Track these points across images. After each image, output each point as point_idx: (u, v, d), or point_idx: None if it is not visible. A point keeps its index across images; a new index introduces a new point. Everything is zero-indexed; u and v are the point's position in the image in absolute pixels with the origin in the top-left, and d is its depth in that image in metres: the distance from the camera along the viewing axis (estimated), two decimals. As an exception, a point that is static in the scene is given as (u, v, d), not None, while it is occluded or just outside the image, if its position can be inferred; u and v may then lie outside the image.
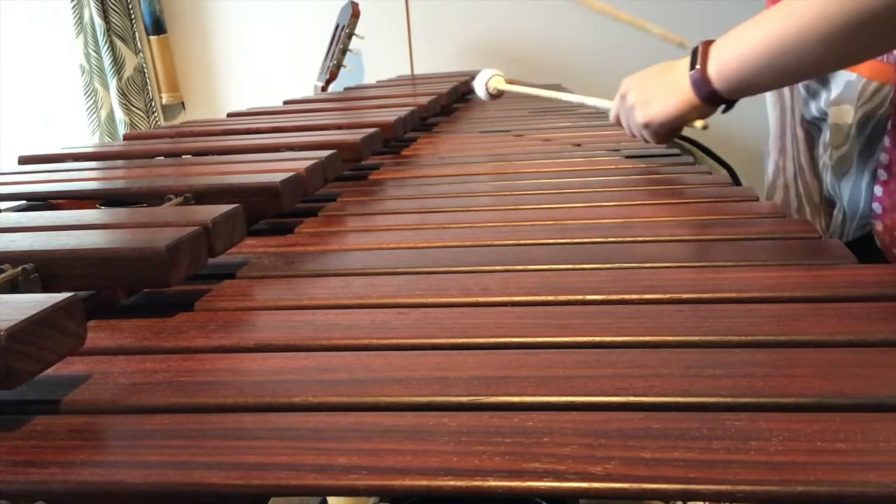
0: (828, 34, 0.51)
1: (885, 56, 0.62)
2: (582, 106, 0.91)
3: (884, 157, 0.61)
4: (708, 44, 0.65)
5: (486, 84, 1.10)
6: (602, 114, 1.04)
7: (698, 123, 0.71)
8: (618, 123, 0.79)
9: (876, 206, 0.62)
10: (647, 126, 0.72)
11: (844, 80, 0.68)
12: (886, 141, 0.61)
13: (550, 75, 1.84)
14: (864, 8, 0.48)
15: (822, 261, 0.46)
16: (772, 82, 0.63)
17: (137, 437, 0.31)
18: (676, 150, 0.82)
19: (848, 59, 0.57)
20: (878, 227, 0.62)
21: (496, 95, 1.11)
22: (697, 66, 0.64)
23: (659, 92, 0.70)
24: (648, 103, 0.71)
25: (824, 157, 0.72)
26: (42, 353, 0.32)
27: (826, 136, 0.71)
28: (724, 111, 0.68)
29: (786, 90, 0.80)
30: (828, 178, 0.72)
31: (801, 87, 0.75)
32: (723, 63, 0.63)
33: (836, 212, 0.71)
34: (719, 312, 0.39)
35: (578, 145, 0.90)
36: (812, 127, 0.75)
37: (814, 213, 0.80)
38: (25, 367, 0.32)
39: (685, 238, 0.53)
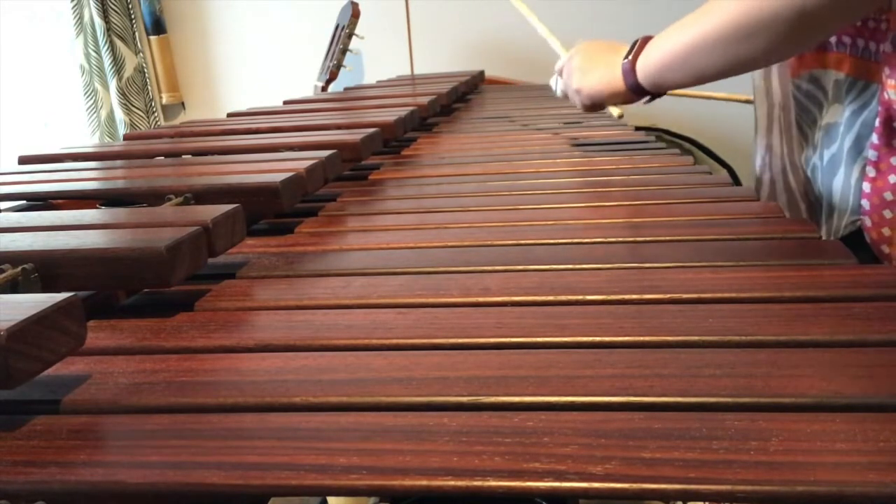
0: (731, 37, 0.58)
1: (871, 55, 0.62)
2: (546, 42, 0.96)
3: (872, 154, 0.62)
4: (646, 39, 0.70)
5: None
6: (601, 116, 1.05)
7: (614, 111, 0.80)
8: (559, 74, 0.86)
9: (864, 203, 0.63)
10: (578, 92, 0.79)
11: (833, 79, 0.68)
12: (874, 138, 0.61)
13: (550, 75, 1.84)
14: (760, 14, 0.55)
15: (822, 261, 0.46)
16: (685, 81, 0.68)
17: (137, 437, 0.31)
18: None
19: (749, 62, 0.61)
20: (867, 223, 0.62)
21: None
22: (629, 58, 0.71)
23: (598, 67, 0.76)
24: (586, 73, 0.77)
25: (814, 159, 0.73)
26: (42, 353, 0.32)
27: (817, 136, 0.71)
28: (647, 102, 0.75)
29: (774, 87, 0.80)
30: (818, 177, 0.72)
31: (796, 91, 0.75)
32: (648, 60, 0.69)
33: (825, 210, 0.71)
34: (719, 312, 0.39)
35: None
36: (805, 126, 0.76)
37: (804, 210, 0.80)
38: (25, 367, 0.32)
39: (685, 238, 0.53)
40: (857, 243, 0.64)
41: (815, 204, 0.75)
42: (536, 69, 1.92)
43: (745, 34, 0.57)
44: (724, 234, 0.53)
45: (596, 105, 0.79)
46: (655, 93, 0.73)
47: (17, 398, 0.35)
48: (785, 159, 0.81)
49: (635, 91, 0.72)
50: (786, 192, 0.82)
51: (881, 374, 0.32)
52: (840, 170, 0.67)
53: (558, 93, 0.87)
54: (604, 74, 0.75)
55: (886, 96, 0.59)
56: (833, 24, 0.58)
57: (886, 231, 0.62)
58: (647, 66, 0.69)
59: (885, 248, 0.62)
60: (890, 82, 0.59)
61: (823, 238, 0.59)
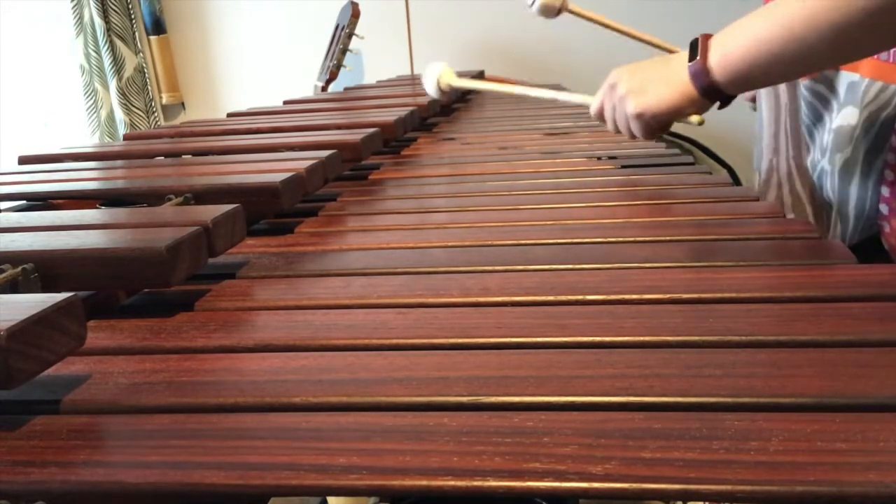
0: (840, 21, 0.50)
1: (888, 55, 0.61)
2: (555, 102, 0.86)
3: (891, 158, 0.60)
4: (708, 36, 0.63)
5: (437, 80, 1.02)
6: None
7: (694, 118, 0.68)
8: (599, 118, 0.75)
9: (883, 208, 0.61)
10: (639, 117, 0.68)
11: (847, 81, 0.67)
12: (894, 140, 0.60)
13: (550, 75, 1.84)
14: None
15: (822, 261, 0.46)
16: (778, 73, 0.61)
17: (137, 437, 0.31)
18: (677, 151, 0.82)
19: (858, 50, 0.55)
20: (886, 228, 0.61)
21: (446, 91, 1.02)
22: (698, 58, 0.62)
23: (654, 82, 0.67)
24: (642, 93, 0.67)
25: (822, 162, 0.71)
26: (42, 353, 0.32)
27: (826, 139, 0.70)
28: (720, 107, 0.67)
29: (781, 89, 0.80)
30: (827, 182, 0.70)
31: (805, 92, 0.75)
32: (726, 54, 0.60)
33: (834, 215, 0.70)
34: (719, 312, 0.39)
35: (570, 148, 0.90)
36: (813, 129, 0.75)
37: (810, 213, 0.80)
38: (25, 367, 0.32)
39: (685, 238, 0.53)
40: (871, 249, 0.62)
41: (822, 208, 0.74)
42: (536, 69, 1.93)
43: (872, 13, 0.49)
44: (724, 234, 0.53)
45: (662, 125, 0.69)
46: (733, 93, 0.64)
47: (17, 398, 0.35)
48: (791, 162, 0.80)
49: (709, 94, 0.63)
50: (791, 196, 0.81)
51: (881, 374, 0.32)
52: (856, 174, 0.65)
53: (610, 128, 0.75)
54: (665, 87, 0.65)
55: None
56: None
57: None
58: (725, 61, 0.60)
59: None
60: None
61: (832, 240, 0.59)
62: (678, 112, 0.66)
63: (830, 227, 0.71)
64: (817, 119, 0.72)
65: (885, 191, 0.61)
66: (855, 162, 0.65)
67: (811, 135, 0.75)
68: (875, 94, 0.63)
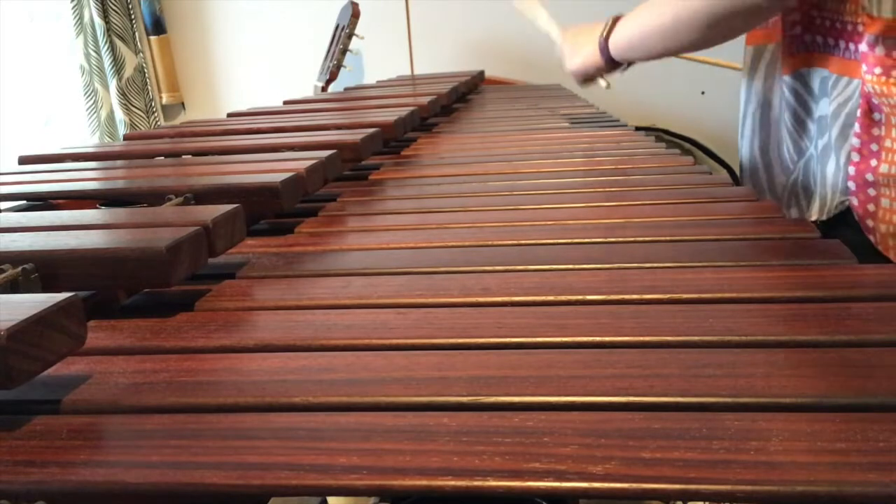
0: (687, 25, 0.72)
1: (851, 54, 0.70)
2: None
3: (855, 142, 0.70)
4: (616, 18, 0.85)
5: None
6: (601, 116, 1.06)
7: (602, 82, 0.95)
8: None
9: (850, 184, 0.71)
10: (572, 73, 0.96)
11: (819, 77, 0.75)
12: (856, 127, 0.70)
13: (550, 75, 1.84)
14: (710, 9, 0.69)
15: (822, 261, 0.46)
16: (647, 56, 0.84)
17: (137, 437, 0.31)
18: (677, 151, 0.83)
19: (689, 48, 0.77)
20: (854, 201, 0.71)
21: None
22: (603, 36, 0.86)
23: (580, 47, 0.92)
24: (573, 56, 0.94)
25: (810, 149, 0.79)
26: (42, 353, 0.32)
27: (811, 128, 0.78)
28: (624, 70, 0.90)
29: (758, 81, 0.87)
30: (812, 165, 0.79)
31: (790, 88, 0.80)
32: (617, 38, 0.85)
33: (818, 193, 0.78)
34: (719, 312, 0.39)
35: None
36: (805, 119, 0.79)
37: (777, 198, 0.87)
38: (25, 367, 0.32)
39: (685, 238, 0.53)
40: (846, 221, 0.73)
41: (797, 191, 0.82)
42: (536, 69, 1.92)
43: (684, 28, 0.73)
44: (724, 234, 0.53)
45: (585, 79, 0.96)
46: (626, 62, 0.88)
47: (17, 398, 0.35)
48: (756, 151, 0.90)
49: (611, 64, 0.88)
50: (752, 183, 0.93)
51: (881, 374, 0.32)
52: (830, 157, 0.74)
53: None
54: (585, 54, 0.91)
55: (865, 89, 0.68)
56: (738, 26, 0.73)
57: (871, 207, 0.70)
58: (617, 44, 0.85)
59: (870, 222, 0.71)
60: (867, 77, 0.67)
61: (814, 218, 0.72)
62: (593, 72, 0.93)
63: (811, 206, 0.79)
64: (806, 111, 0.79)
65: (852, 170, 0.71)
66: (829, 147, 0.74)
67: (803, 125, 0.80)
68: (842, 87, 0.72)
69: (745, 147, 0.93)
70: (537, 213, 0.63)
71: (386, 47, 2.13)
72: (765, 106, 0.87)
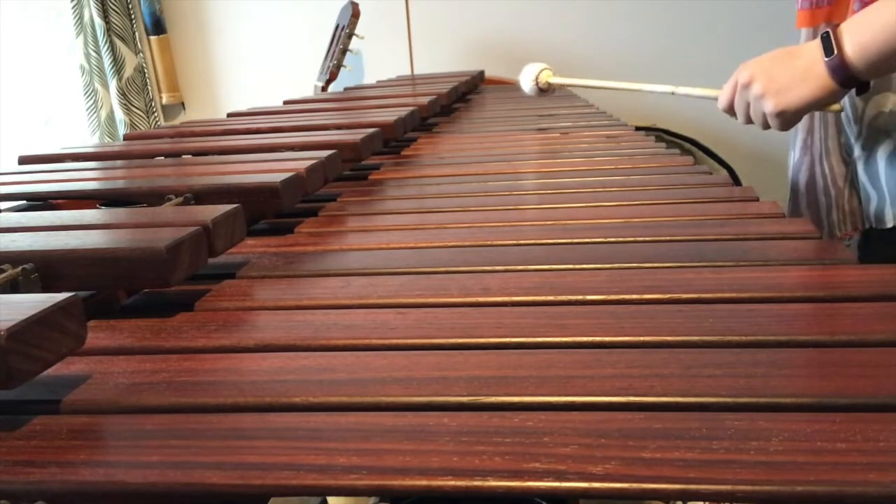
0: None
1: None
2: (673, 94, 0.87)
3: None
4: (836, 30, 0.67)
5: (536, 78, 1.06)
6: (601, 116, 1.04)
7: (835, 107, 0.73)
8: (728, 112, 0.78)
9: None
10: (780, 115, 0.72)
11: None
12: None
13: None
14: None
15: (822, 261, 0.46)
16: None
17: (137, 437, 0.31)
18: (676, 151, 0.82)
19: None
20: None
21: (545, 90, 1.07)
22: (835, 52, 0.66)
23: (792, 80, 0.70)
24: (781, 92, 0.71)
25: (857, 150, 0.74)
26: (42, 353, 0.32)
27: (854, 129, 0.73)
28: (858, 93, 0.71)
29: None
30: (874, 168, 0.73)
31: None
32: (862, 44, 0.64)
33: (880, 197, 0.73)
34: (719, 312, 0.39)
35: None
36: (850, 112, 0.77)
37: (839, 195, 0.82)
38: (25, 367, 0.32)
39: (685, 238, 0.53)
40: None
41: (851, 192, 0.77)
42: (536, 69, 1.92)
43: None
44: (724, 234, 0.53)
45: (801, 118, 0.74)
46: (872, 79, 0.70)
47: (17, 398, 0.35)
48: (822, 144, 0.82)
49: (849, 84, 0.68)
50: (823, 178, 0.83)
51: (881, 374, 0.32)
52: None
53: (742, 121, 0.78)
54: (804, 85, 0.69)
55: None
56: None
57: None
58: (863, 51, 0.65)
59: None
60: None
61: (890, 224, 0.66)
62: (819, 106, 0.71)
63: (866, 210, 0.73)
64: (852, 107, 0.74)
65: None
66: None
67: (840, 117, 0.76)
68: None
69: (805, 138, 0.84)
70: (537, 213, 0.63)
71: (386, 47, 2.13)
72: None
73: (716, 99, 0.78)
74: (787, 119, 0.72)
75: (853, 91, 0.71)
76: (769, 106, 0.71)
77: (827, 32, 0.67)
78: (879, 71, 0.67)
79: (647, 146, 0.86)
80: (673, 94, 0.86)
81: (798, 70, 0.70)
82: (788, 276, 0.44)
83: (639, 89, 0.91)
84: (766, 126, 0.74)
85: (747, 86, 0.73)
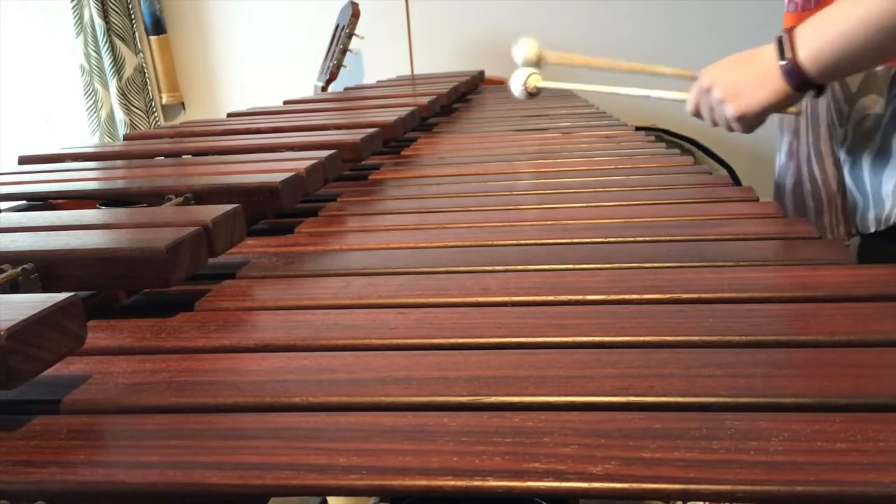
0: None
1: None
2: (649, 98, 0.85)
3: None
4: (790, 33, 0.66)
5: (525, 83, 1.06)
6: (601, 116, 1.04)
7: (792, 109, 0.73)
8: (696, 115, 0.79)
9: None
10: (740, 119, 0.72)
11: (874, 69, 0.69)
12: None
13: (550, 75, 1.84)
14: None
15: (822, 261, 0.46)
16: (867, 62, 0.66)
17: (137, 437, 0.31)
18: (676, 151, 0.82)
19: None
20: None
21: (534, 94, 1.05)
22: (788, 56, 0.65)
23: (748, 85, 0.70)
24: (740, 97, 0.71)
25: (841, 153, 0.74)
26: (42, 353, 0.32)
27: (846, 129, 0.72)
28: (816, 96, 0.71)
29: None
30: (860, 170, 0.73)
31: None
32: (815, 49, 0.64)
33: (864, 202, 0.72)
34: (719, 312, 0.39)
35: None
36: (835, 116, 0.76)
37: (832, 198, 0.81)
38: (25, 367, 0.32)
39: (685, 238, 0.53)
40: None
41: (844, 196, 0.76)
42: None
43: None
44: (724, 234, 0.53)
45: (762, 121, 0.73)
46: (825, 83, 0.69)
47: (17, 398, 0.35)
48: (810, 147, 0.81)
49: (803, 88, 0.67)
50: (812, 182, 0.82)
51: (881, 374, 0.32)
52: (891, 159, 0.67)
53: (709, 124, 0.78)
54: (760, 89, 0.69)
55: None
56: None
57: None
58: (816, 56, 0.64)
59: None
60: None
61: (872, 230, 0.64)
62: (776, 109, 0.70)
63: (859, 213, 0.72)
64: (837, 111, 0.74)
65: None
66: (889, 148, 0.67)
67: (833, 123, 0.75)
68: None
69: (791, 141, 0.84)
70: (537, 213, 0.63)
71: (386, 47, 2.13)
72: (813, 100, 0.78)
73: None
74: (749, 122, 0.72)
75: (841, 96, 0.71)
76: (729, 110, 0.72)
77: (780, 36, 0.67)
78: (832, 75, 0.67)
79: (647, 146, 0.86)
80: (648, 97, 0.85)
81: (755, 74, 0.70)
82: (788, 276, 0.44)
83: (614, 92, 0.91)
84: (730, 129, 0.74)
85: (708, 91, 0.74)
